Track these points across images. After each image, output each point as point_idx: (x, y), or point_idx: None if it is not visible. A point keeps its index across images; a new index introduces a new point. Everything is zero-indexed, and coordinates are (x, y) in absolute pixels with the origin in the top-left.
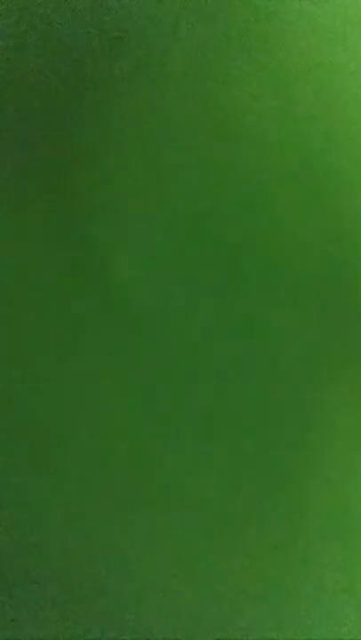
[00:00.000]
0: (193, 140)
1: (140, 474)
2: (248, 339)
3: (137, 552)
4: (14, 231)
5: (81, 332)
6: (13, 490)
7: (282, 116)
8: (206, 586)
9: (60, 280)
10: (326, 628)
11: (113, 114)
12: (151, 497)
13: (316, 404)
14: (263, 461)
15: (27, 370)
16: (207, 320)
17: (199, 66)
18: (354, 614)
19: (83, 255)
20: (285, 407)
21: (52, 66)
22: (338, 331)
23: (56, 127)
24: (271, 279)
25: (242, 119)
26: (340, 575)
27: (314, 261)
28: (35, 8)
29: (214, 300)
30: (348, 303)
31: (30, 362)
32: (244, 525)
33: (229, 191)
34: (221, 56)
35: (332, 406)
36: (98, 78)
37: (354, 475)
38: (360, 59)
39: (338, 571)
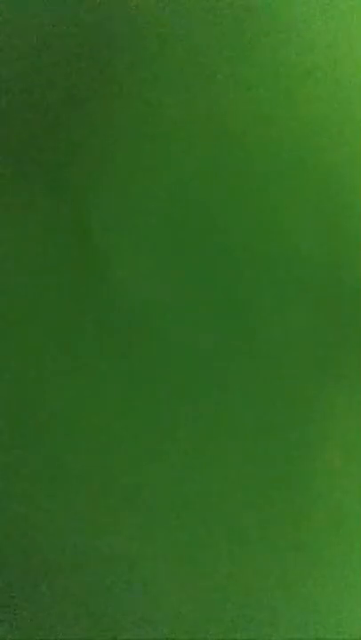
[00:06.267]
0: (193, 139)
1: (141, 475)
2: (248, 338)
3: (137, 553)
4: (14, 231)
5: (80, 332)
6: (15, 494)
7: (282, 112)
8: (206, 586)
9: (60, 279)
10: (326, 628)
11: (113, 112)
12: (152, 497)
13: (317, 401)
14: (263, 462)
15: (25, 370)
16: (207, 320)
17: (198, 63)
18: (354, 614)
19: (83, 255)
20: (286, 406)
21: (52, 64)
22: (338, 329)
23: (56, 126)
24: (272, 276)
25: (241, 116)
26: (341, 575)
27: (314, 257)
28: (34, 8)
29: (214, 300)
30: (349, 302)
31: (29, 362)
32: (244, 526)
33: (230, 191)
34: (220, 53)
35: (333, 405)
36: (98, 77)
37: (354, 474)
38: (359, 53)
39: (338, 571)
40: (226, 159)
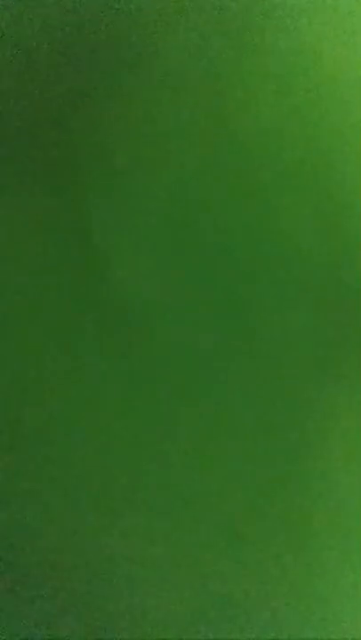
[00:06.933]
0: (193, 139)
1: (141, 475)
2: (248, 338)
3: (136, 553)
4: (14, 231)
5: (80, 332)
6: (16, 494)
7: (282, 113)
8: (206, 587)
9: (60, 279)
10: (326, 628)
11: (113, 112)
12: (152, 497)
13: (317, 401)
14: (263, 462)
15: (25, 370)
16: (207, 320)
17: (199, 63)
18: (354, 614)
19: (83, 255)
20: (286, 406)
21: (52, 63)
22: (338, 329)
23: (56, 125)
24: (272, 276)
25: (242, 116)
26: (341, 575)
27: (314, 257)
28: (34, 8)
29: (214, 300)
30: (349, 302)
31: (29, 362)
32: (243, 526)
33: (230, 191)
34: (221, 53)
35: (333, 405)
36: (98, 77)
37: (354, 475)
38: (358, 52)
39: (338, 571)
40: (226, 159)
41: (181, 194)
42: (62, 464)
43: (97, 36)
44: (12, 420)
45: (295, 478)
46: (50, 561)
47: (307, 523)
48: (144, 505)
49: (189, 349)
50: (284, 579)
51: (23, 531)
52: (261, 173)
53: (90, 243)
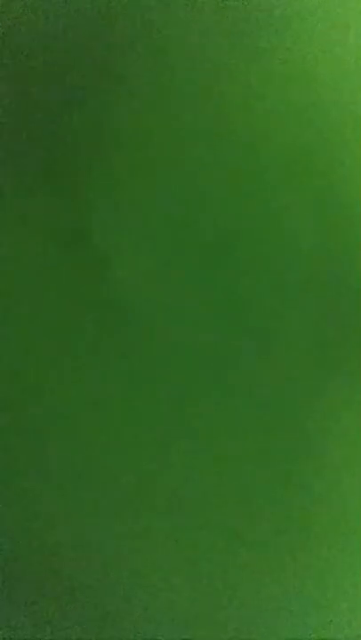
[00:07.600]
0: (194, 139)
1: (141, 475)
2: (249, 338)
3: (137, 554)
4: (14, 231)
5: (80, 332)
6: (16, 494)
7: (282, 113)
8: (206, 587)
9: (60, 279)
10: (326, 628)
11: (113, 112)
12: (152, 497)
13: (317, 401)
14: (263, 463)
15: (25, 369)
16: (207, 320)
17: (200, 63)
18: (354, 615)
19: (83, 255)
20: (286, 405)
21: (52, 63)
22: (338, 328)
23: (56, 125)
24: (272, 276)
25: (242, 116)
26: (341, 576)
27: (314, 257)
28: (33, 7)
29: (214, 300)
30: (349, 300)
31: (29, 362)
32: (244, 529)
33: (230, 191)
34: (222, 52)
35: (333, 404)
36: (99, 77)
37: (354, 475)
38: (359, 52)
39: (338, 571)
40: (226, 160)
41: (181, 194)
42: (62, 464)
43: (97, 36)
44: (12, 420)
45: (295, 478)
46: (50, 561)
47: (307, 523)
48: (144, 505)
49: (189, 349)
50: (284, 579)
51: (23, 531)
52: (261, 173)
53: (90, 243)
